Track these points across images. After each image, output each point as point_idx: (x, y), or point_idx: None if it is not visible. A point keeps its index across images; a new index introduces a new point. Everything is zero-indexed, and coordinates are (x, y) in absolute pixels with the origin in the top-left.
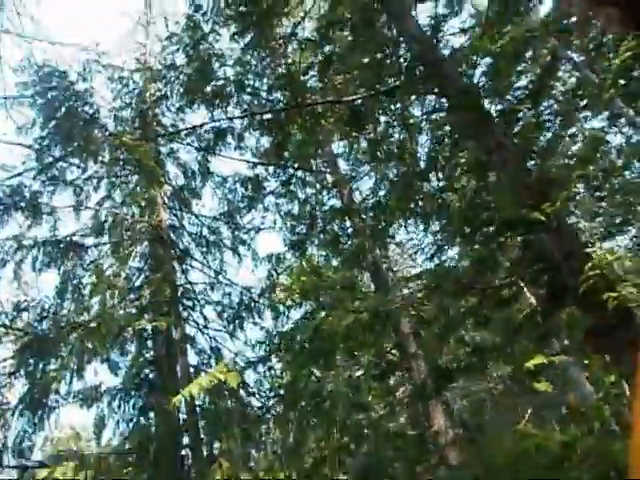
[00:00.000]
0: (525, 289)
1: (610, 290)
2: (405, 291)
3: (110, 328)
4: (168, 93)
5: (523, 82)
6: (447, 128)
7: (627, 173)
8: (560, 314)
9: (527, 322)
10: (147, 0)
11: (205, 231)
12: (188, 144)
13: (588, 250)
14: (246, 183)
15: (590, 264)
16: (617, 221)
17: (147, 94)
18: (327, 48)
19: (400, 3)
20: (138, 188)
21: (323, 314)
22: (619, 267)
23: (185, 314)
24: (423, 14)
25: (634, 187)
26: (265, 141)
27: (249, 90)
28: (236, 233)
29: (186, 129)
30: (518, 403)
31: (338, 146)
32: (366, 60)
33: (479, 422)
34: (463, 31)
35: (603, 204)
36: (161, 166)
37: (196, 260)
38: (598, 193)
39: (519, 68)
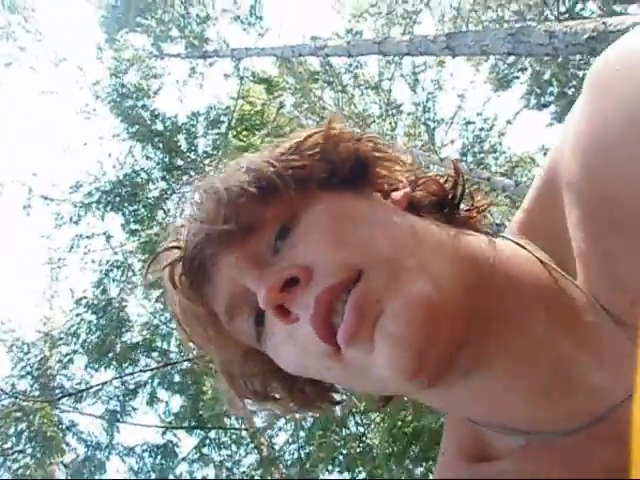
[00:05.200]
0: None
1: None
2: None
3: None
4: (73, 358)
5: None
6: None
7: None
8: None
9: None
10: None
11: None
12: (91, 415)
13: None
14: (156, 452)
15: None
16: None
17: (50, 360)
18: None
19: None
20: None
21: None
22: None
23: None
24: None
25: None
26: (176, 404)
27: (158, 352)
28: None
29: (93, 386)
30: None
31: None
32: None
33: None
34: None
35: None
36: (60, 439)
37: None
38: None
39: None
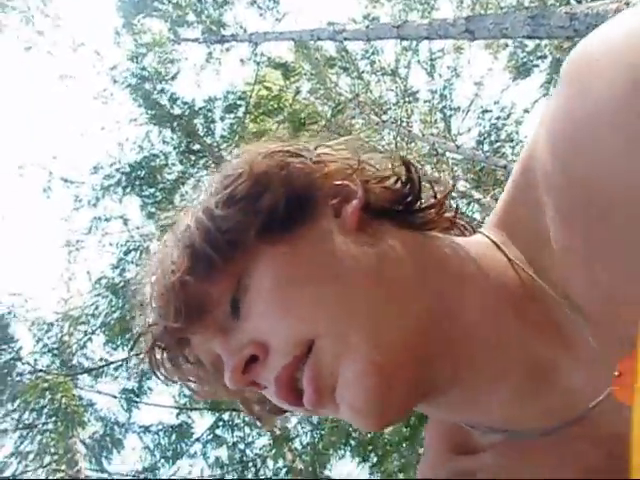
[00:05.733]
0: None
1: None
2: None
3: None
4: (92, 337)
5: None
6: None
7: None
8: None
9: None
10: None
11: None
12: (107, 394)
13: None
14: (170, 432)
15: None
16: None
17: (70, 339)
18: None
19: None
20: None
21: None
22: None
23: None
24: None
25: None
26: None
27: None
28: None
29: (111, 362)
30: None
31: None
32: None
33: None
34: None
35: None
36: (81, 413)
37: None
38: None
39: None
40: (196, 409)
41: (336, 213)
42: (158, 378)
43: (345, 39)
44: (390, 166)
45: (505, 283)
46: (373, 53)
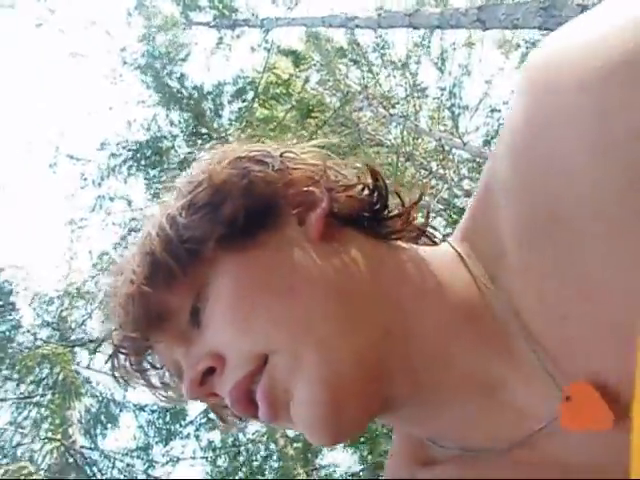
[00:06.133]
0: None
1: None
2: None
3: None
4: (92, 314)
5: None
6: None
7: None
8: None
9: None
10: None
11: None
12: (105, 373)
13: None
14: (165, 413)
15: None
16: None
17: (70, 315)
18: None
19: None
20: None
21: None
22: None
23: None
24: None
25: None
26: None
27: None
28: (150, 471)
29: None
30: None
31: None
32: None
33: None
34: None
35: None
36: (79, 385)
37: None
38: None
39: None
40: None
41: (300, 221)
42: (119, 383)
43: (357, 26)
44: (357, 174)
45: (464, 299)
46: (384, 47)
